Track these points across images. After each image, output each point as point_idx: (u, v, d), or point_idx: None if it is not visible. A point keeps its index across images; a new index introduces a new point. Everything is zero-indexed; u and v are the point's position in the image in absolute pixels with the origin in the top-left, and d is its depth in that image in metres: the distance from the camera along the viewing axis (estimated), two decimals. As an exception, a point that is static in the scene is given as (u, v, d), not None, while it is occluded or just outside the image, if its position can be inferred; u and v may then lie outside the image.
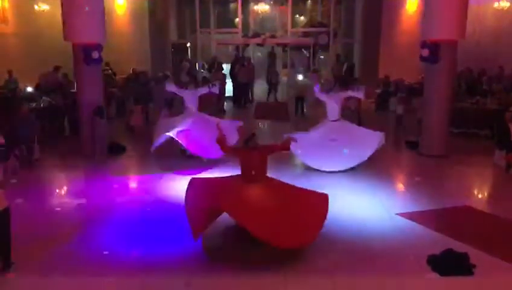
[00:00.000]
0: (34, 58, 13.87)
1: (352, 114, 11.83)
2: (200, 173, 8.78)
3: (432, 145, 10.30)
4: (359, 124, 10.76)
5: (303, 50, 22.36)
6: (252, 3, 21.70)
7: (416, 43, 10.88)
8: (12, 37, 13.82)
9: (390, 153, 10.41)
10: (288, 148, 6.64)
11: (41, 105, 11.78)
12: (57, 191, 8.72)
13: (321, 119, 9.92)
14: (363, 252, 5.89)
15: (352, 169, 9.13)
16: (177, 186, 7.83)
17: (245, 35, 20.41)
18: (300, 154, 9.31)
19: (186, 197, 6.07)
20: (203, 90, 10.28)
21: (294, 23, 21.66)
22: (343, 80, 15.96)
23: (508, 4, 13.94)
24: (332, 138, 9.11)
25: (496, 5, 14.23)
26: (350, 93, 9.85)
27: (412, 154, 10.67)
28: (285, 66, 21.50)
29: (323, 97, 9.61)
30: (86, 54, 9.93)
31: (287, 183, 6.42)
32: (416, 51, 10.52)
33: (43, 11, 14.83)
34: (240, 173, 6.15)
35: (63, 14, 9.98)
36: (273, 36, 20.59)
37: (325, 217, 5.91)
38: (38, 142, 9.91)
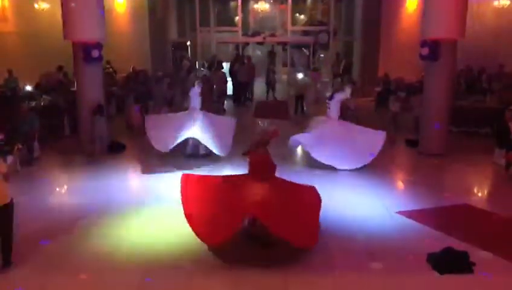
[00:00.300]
0: (34, 57, 13.86)
1: (352, 113, 11.81)
2: (200, 171, 8.79)
3: (431, 144, 10.31)
4: (357, 123, 10.75)
5: (303, 49, 22.36)
6: (252, 2, 21.67)
7: (416, 42, 10.88)
8: (12, 35, 13.81)
9: (390, 151, 10.40)
10: (277, 135, 6.38)
11: (42, 104, 11.78)
12: (57, 189, 8.71)
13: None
14: (363, 251, 5.90)
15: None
16: (178, 185, 7.80)
17: (245, 34, 20.40)
18: (314, 152, 9.17)
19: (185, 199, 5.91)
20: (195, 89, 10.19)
21: (294, 22, 21.65)
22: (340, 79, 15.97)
23: (507, 2, 13.94)
24: (339, 137, 9.10)
25: (495, 3, 14.24)
26: (337, 96, 9.49)
27: (412, 152, 10.68)
28: (285, 65, 21.50)
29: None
30: (86, 52, 9.93)
31: (287, 181, 6.43)
32: (416, 49, 10.52)
33: (43, 9, 14.82)
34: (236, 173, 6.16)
35: (63, 12, 9.98)
36: (273, 35, 20.59)
37: (318, 214, 5.99)
38: (38, 141, 9.93)
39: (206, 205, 5.84)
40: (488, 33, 14.24)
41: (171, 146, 9.28)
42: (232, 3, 21.93)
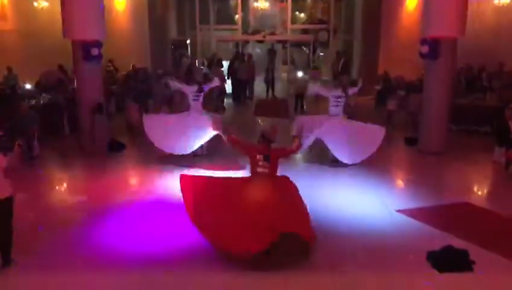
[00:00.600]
0: (34, 55, 13.85)
1: (351, 111, 11.80)
2: (201, 169, 8.80)
3: (431, 142, 10.31)
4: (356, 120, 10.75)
5: (303, 47, 22.34)
6: (252, 0, 21.66)
7: (416, 40, 10.87)
8: (12, 34, 13.80)
9: (389, 150, 10.40)
10: (297, 151, 6.45)
11: (41, 102, 11.78)
12: (57, 188, 8.72)
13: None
14: (362, 250, 5.90)
15: (352, 166, 9.14)
16: (178, 184, 7.80)
17: (245, 32, 20.38)
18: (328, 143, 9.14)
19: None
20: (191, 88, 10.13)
21: (294, 20, 21.63)
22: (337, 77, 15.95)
23: (508, 1, 13.91)
24: (340, 132, 9.10)
25: (496, 1, 14.22)
26: (351, 90, 9.64)
27: (411, 151, 10.68)
28: (285, 63, 21.49)
29: (323, 92, 9.61)
30: (85, 50, 9.92)
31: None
32: (416, 47, 10.51)
33: (43, 8, 14.81)
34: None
35: (63, 10, 9.96)
36: (272, 33, 20.57)
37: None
38: (37, 139, 9.92)
39: (217, 212, 5.68)
40: (488, 31, 14.23)
41: (187, 151, 9.28)
42: (232, 2, 21.91)
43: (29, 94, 12.19)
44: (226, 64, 18.18)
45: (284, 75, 20.13)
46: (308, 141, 8.87)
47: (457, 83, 13.24)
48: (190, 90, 9.68)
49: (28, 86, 13.00)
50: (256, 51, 22.64)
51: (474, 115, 12.10)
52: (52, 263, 5.59)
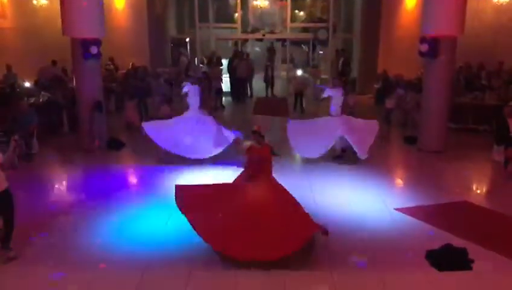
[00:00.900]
0: (33, 53, 13.84)
1: (350, 110, 11.81)
2: (200, 168, 8.80)
3: (430, 141, 10.31)
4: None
5: (302, 45, 22.30)
6: (251, -2, 21.61)
7: (415, 39, 10.86)
8: (11, 31, 13.78)
9: (389, 148, 10.41)
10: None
11: (41, 100, 11.76)
12: (56, 185, 8.71)
13: (320, 115, 9.90)
14: (362, 248, 5.90)
15: (351, 164, 9.15)
16: (177, 182, 7.81)
17: (244, 31, 20.35)
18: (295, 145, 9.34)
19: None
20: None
21: (294, 19, 21.60)
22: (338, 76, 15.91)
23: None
24: (338, 133, 9.12)
25: (495, 0, 14.23)
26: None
27: (411, 149, 10.68)
28: (284, 62, 21.47)
29: (331, 92, 9.61)
30: (85, 48, 9.90)
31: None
32: (416, 46, 10.51)
33: (42, 5, 14.79)
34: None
35: (62, 8, 9.94)
36: (272, 32, 20.54)
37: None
38: (37, 137, 9.91)
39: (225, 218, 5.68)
40: (488, 30, 14.24)
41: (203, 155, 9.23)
42: (232, 0, 21.87)
43: (28, 92, 12.18)
44: (225, 62, 18.16)
45: (284, 73, 20.12)
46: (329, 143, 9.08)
47: (457, 81, 13.23)
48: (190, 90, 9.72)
49: (27, 84, 12.99)
50: (255, 49, 22.62)
51: (474, 114, 12.11)
52: (50, 262, 5.57)
